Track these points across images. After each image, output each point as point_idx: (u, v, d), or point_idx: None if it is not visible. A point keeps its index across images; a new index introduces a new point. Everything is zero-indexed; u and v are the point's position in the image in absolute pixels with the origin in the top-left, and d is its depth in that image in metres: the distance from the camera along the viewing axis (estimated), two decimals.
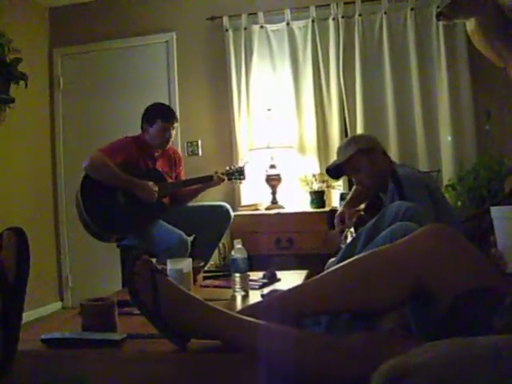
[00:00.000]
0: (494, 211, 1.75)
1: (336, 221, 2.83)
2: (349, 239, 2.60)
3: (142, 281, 1.43)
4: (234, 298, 2.23)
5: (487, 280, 1.34)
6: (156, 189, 3.48)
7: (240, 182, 3.95)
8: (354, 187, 3.04)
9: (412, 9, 4.39)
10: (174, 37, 4.98)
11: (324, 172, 3.12)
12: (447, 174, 4.23)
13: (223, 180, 3.73)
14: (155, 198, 3.47)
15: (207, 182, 3.70)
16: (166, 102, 4.39)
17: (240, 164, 4.30)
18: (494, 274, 1.41)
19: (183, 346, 1.45)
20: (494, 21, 3.52)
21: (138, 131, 3.70)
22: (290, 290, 1.54)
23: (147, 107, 3.71)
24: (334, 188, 4.43)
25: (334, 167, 2.82)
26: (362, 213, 2.76)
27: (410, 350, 0.91)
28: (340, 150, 2.80)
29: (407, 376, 0.80)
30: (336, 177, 3.02)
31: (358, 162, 2.70)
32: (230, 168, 3.82)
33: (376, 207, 2.70)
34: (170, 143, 3.68)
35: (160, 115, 3.62)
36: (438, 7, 4.07)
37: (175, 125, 3.67)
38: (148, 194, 3.45)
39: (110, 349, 1.49)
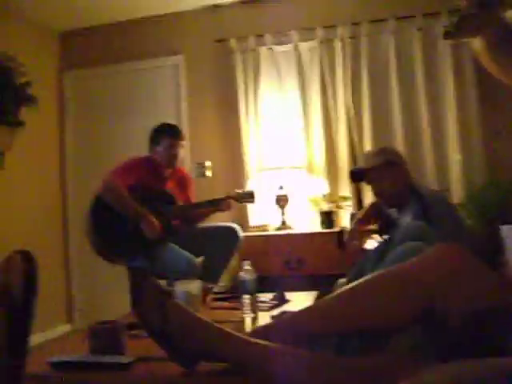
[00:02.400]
0: (506, 230, 1.74)
1: (348, 238, 2.82)
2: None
3: (150, 303, 1.42)
4: (242, 319, 2.21)
5: (500, 300, 1.32)
6: (159, 229, 3.46)
7: (250, 204, 3.92)
8: (364, 207, 3.03)
9: (419, 28, 4.40)
10: (183, 59, 5.02)
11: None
12: (456, 193, 4.20)
13: (230, 206, 3.70)
14: (158, 235, 3.45)
15: (217, 205, 3.69)
16: (176, 123, 4.39)
17: (249, 186, 4.30)
18: (507, 294, 1.39)
19: (192, 368, 1.43)
20: (502, 39, 3.52)
21: (146, 153, 3.72)
22: (299, 312, 1.52)
23: (153, 128, 3.74)
24: (343, 208, 4.41)
25: (358, 171, 2.83)
26: (375, 234, 2.75)
27: (420, 372, 0.89)
28: (368, 157, 2.82)
29: None
30: (356, 181, 3.03)
31: (384, 172, 2.71)
32: (242, 191, 3.81)
33: (389, 226, 2.69)
34: (179, 162, 3.69)
35: (166, 133, 3.66)
36: (445, 26, 4.08)
37: (182, 142, 3.69)
38: (152, 230, 3.42)
39: (118, 372, 1.48)
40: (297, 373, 1.27)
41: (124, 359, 1.53)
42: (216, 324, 1.43)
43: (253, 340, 1.39)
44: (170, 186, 3.70)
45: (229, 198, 3.70)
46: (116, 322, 1.65)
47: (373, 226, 2.96)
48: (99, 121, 5.20)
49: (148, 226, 3.41)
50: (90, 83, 5.27)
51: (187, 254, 3.40)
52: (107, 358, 1.53)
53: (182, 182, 3.81)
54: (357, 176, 2.91)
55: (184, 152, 3.73)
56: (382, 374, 1.18)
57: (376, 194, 2.88)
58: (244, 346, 1.36)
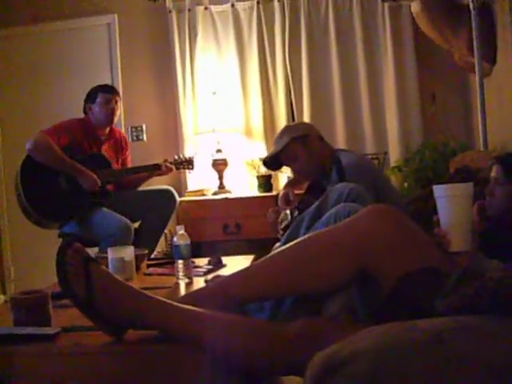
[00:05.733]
0: (437, 190, 1.75)
1: (280, 203, 2.78)
2: (285, 221, 2.55)
3: (74, 270, 1.36)
4: (177, 285, 2.17)
5: (431, 260, 1.32)
6: (98, 181, 3.38)
7: (189, 172, 3.85)
8: None
9: None
10: (116, 19, 4.82)
11: None
12: (394, 156, 4.25)
13: (171, 170, 3.66)
14: (97, 188, 3.37)
15: (154, 170, 3.63)
16: None
17: (187, 152, 4.25)
18: (438, 254, 1.39)
19: (119, 337, 1.38)
20: (439, 3, 3.53)
21: (79, 116, 3.62)
22: (232, 275, 1.49)
23: (88, 91, 3.64)
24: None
25: (272, 158, 2.79)
26: (305, 196, 2.71)
27: (349, 335, 0.87)
28: (275, 142, 2.77)
29: (343, 364, 0.75)
30: (275, 168, 2.99)
31: (294, 150, 2.67)
32: (179, 157, 3.74)
33: (318, 189, 2.67)
34: (116, 119, 3.61)
35: (100, 89, 3.59)
36: None
37: (117, 99, 3.61)
38: (90, 183, 3.35)
39: (43, 344, 1.42)
40: (218, 337, 1.24)
41: (49, 330, 1.46)
42: (144, 291, 1.39)
43: (181, 306, 1.35)
44: (105, 149, 3.59)
45: (166, 162, 3.64)
46: (40, 292, 1.58)
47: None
48: (28, 84, 4.93)
49: (85, 177, 3.33)
50: (16, 45, 4.96)
51: (121, 217, 3.32)
52: (31, 330, 1.46)
53: (119, 145, 3.73)
54: (270, 165, 2.87)
55: (119, 112, 3.63)
56: (310, 338, 1.16)
57: (296, 173, 2.85)
58: (172, 313, 1.32)
